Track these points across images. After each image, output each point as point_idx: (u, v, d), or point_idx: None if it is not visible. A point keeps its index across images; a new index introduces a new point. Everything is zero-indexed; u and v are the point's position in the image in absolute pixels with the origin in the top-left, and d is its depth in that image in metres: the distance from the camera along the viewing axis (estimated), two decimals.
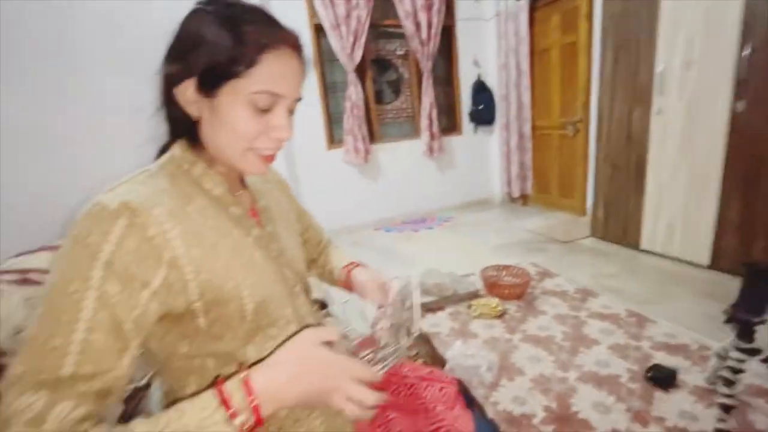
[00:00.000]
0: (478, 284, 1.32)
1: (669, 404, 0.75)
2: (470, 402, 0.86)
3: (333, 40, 3.33)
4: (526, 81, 3.61)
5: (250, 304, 0.54)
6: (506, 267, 1.35)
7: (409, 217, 4.03)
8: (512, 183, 3.96)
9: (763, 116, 1.91)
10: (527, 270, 1.31)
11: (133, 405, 0.85)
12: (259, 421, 0.45)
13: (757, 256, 1.99)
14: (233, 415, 0.43)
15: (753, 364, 0.60)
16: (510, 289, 1.23)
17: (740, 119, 1.98)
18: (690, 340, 0.93)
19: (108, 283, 0.42)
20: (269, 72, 0.50)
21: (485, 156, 4.29)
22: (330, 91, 3.68)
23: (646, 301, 1.96)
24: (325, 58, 3.57)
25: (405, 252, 3.07)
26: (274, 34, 0.51)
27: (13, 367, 0.39)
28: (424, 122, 3.78)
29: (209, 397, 0.44)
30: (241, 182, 0.66)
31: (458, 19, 3.87)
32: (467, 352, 0.94)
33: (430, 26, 3.59)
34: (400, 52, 3.87)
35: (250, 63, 0.49)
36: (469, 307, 1.20)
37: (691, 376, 0.81)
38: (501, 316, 1.14)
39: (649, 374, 0.81)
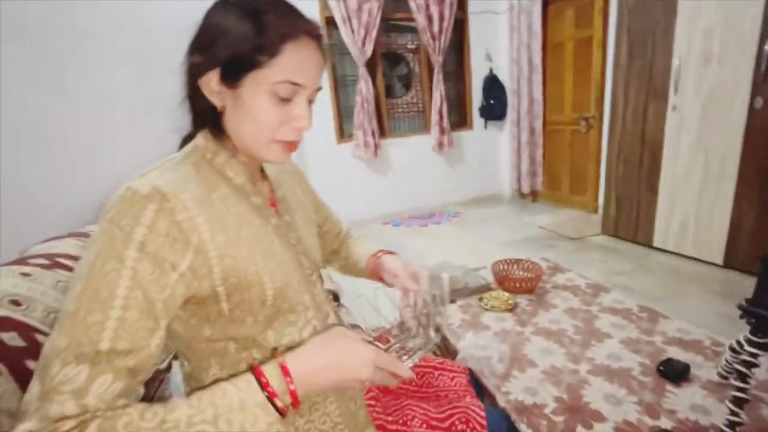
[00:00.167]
0: (489, 278, 1.33)
1: (680, 398, 0.75)
2: (481, 391, 0.88)
3: (344, 33, 3.33)
4: (538, 76, 3.57)
5: (270, 290, 0.56)
6: (517, 261, 1.36)
7: (417, 212, 4.03)
8: (522, 179, 3.94)
9: None
10: (539, 264, 1.31)
11: (154, 387, 0.88)
12: (295, 403, 0.47)
13: None
14: (273, 395, 0.45)
15: (767, 359, 0.60)
16: (521, 282, 1.23)
17: (758, 116, 1.95)
18: (703, 336, 0.93)
19: (141, 263, 0.44)
20: (290, 62, 0.51)
21: (495, 151, 4.27)
22: (340, 85, 3.69)
23: (658, 299, 1.95)
24: (336, 51, 3.57)
25: (413, 247, 3.08)
26: (294, 24, 0.52)
27: (55, 339, 0.41)
28: (434, 117, 3.77)
29: (250, 379, 0.46)
30: (261, 172, 0.68)
31: (470, 12, 3.85)
32: (479, 343, 0.95)
33: (442, 20, 3.57)
34: (411, 46, 3.86)
35: (272, 53, 0.50)
36: (480, 299, 1.21)
37: (704, 371, 0.81)
38: (512, 309, 1.15)
39: (661, 368, 0.82)
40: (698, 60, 2.15)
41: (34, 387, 0.39)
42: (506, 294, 1.22)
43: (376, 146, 3.62)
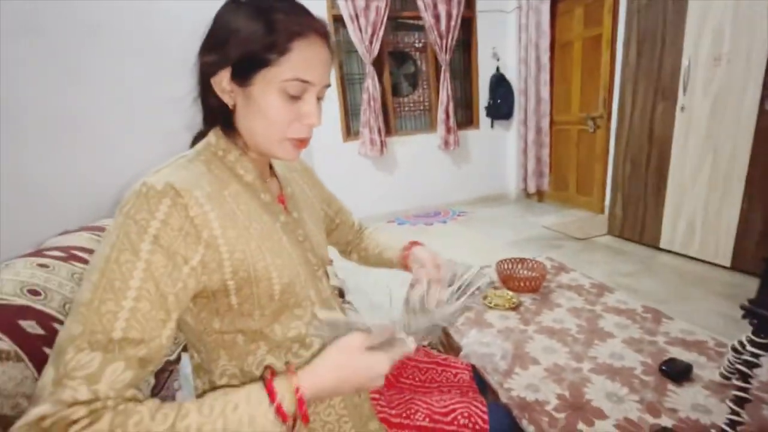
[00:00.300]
0: (494, 276, 1.34)
1: (682, 397, 0.75)
2: (484, 388, 0.89)
3: (352, 31, 3.34)
4: (546, 75, 3.56)
5: (277, 285, 0.57)
6: (522, 260, 1.36)
7: (422, 210, 4.04)
8: (528, 179, 3.93)
9: None
10: (543, 264, 1.32)
11: (163, 378, 0.90)
12: (305, 421, 0.48)
13: None
14: (284, 418, 0.46)
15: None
16: (525, 281, 1.24)
17: None
18: (707, 337, 0.93)
19: (155, 255, 0.45)
20: (299, 59, 0.52)
21: (501, 151, 4.26)
22: (347, 83, 3.70)
23: (663, 301, 1.94)
24: (343, 49, 3.58)
25: None
26: (303, 22, 0.53)
27: (69, 326, 0.42)
28: (440, 115, 3.77)
29: (262, 396, 0.46)
30: (270, 169, 0.70)
31: (478, 11, 3.84)
32: (482, 340, 0.96)
33: (449, 18, 3.57)
34: (418, 45, 3.86)
35: (282, 51, 0.51)
36: (485, 297, 1.22)
37: (707, 371, 0.81)
38: (516, 307, 1.16)
39: (663, 368, 0.82)
40: (708, 60, 2.13)
41: (48, 372, 0.40)
42: (510, 293, 1.23)
43: (383, 144, 3.63)
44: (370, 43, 3.38)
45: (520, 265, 1.36)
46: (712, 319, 1.77)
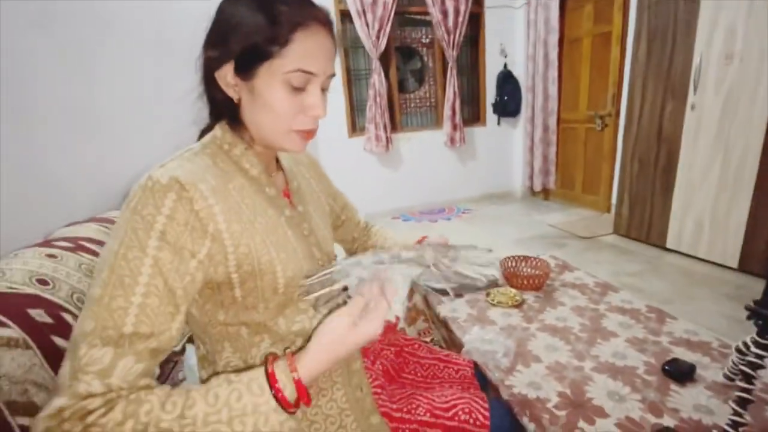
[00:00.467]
0: (497, 274, 1.33)
1: (685, 397, 0.75)
2: (485, 384, 0.89)
3: (359, 26, 3.32)
4: (554, 72, 3.53)
5: (282, 279, 0.58)
6: (526, 258, 1.36)
7: (427, 207, 4.03)
8: (534, 177, 3.90)
9: None
10: (547, 262, 1.31)
11: (168, 369, 0.92)
12: (307, 403, 0.50)
13: None
14: (287, 405, 0.47)
15: None
16: (529, 279, 1.23)
17: None
18: (711, 338, 0.92)
19: (162, 251, 0.46)
20: (301, 50, 0.52)
21: (508, 148, 4.24)
22: (354, 78, 3.69)
23: (668, 301, 1.93)
24: (350, 45, 3.57)
25: None
26: (305, 12, 0.53)
27: (82, 323, 0.43)
28: (447, 112, 3.76)
29: (264, 385, 0.47)
30: (277, 163, 0.70)
31: (487, 6, 3.80)
32: (484, 338, 0.96)
33: (457, 14, 3.54)
34: (425, 40, 3.84)
35: (284, 42, 0.51)
36: (488, 295, 1.21)
37: (710, 372, 0.80)
38: (519, 305, 1.16)
39: (666, 368, 0.82)
40: (719, 58, 2.10)
41: (66, 365, 0.42)
42: (513, 290, 1.22)
43: (388, 140, 3.62)
44: (377, 38, 3.37)
45: (524, 263, 1.36)
46: (717, 321, 1.76)
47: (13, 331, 0.52)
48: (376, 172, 3.81)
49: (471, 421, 0.69)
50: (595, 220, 3.26)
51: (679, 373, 0.80)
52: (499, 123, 4.12)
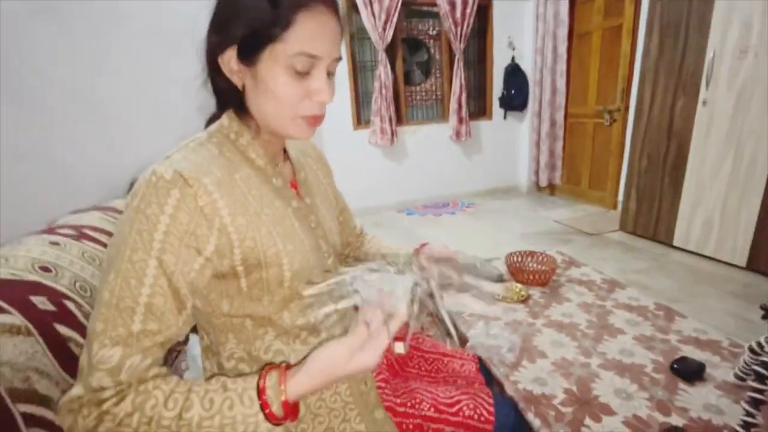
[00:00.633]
0: (503, 269, 1.32)
1: (694, 397, 0.74)
2: (489, 379, 0.88)
3: (365, 17, 3.28)
4: (562, 66, 3.47)
5: (288, 272, 0.57)
6: (532, 253, 1.34)
7: (431, 201, 4.01)
8: (540, 172, 3.87)
9: None
10: (554, 257, 1.30)
11: (171, 359, 0.91)
12: (293, 420, 0.50)
13: None
14: (275, 420, 0.47)
15: None
16: (535, 275, 1.22)
17: None
18: (721, 336, 0.90)
19: (165, 254, 0.47)
20: (304, 32, 0.50)
21: (514, 143, 4.19)
22: (359, 70, 3.66)
23: (675, 299, 1.91)
24: (356, 36, 3.53)
25: (426, 235, 3.08)
26: None
27: (93, 323, 0.46)
28: (453, 105, 3.72)
29: (254, 399, 0.47)
30: (284, 153, 0.69)
31: None
32: (489, 333, 0.95)
33: (465, 5, 3.48)
34: (432, 32, 3.79)
35: (286, 24, 0.49)
36: None
37: (720, 371, 0.79)
38: (524, 300, 1.14)
39: (675, 366, 0.80)
40: (733, 52, 2.05)
41: (84, 356, 0.45)
42: (519, 285, 1.21)
43: (393, 133, 3.60)
44: (384, 29, 3.33)
45: (529, 258, 1.34)
46: (723, 319, 1.74)
47: (15, 318, 0.51)
48: (380, 165, 3.79)
49: (475, 417, 0.69)
50: (601, 216, 3.23)
51: (688, 371, 0.79)
52: (505, 117, 4.08)
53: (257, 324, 0.59)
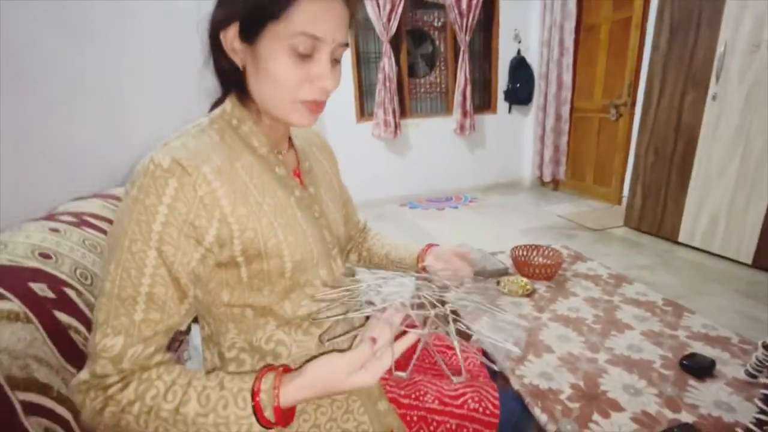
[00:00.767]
0: (507, 262, 1.31)
1: (704, 393, 0.72)
2: (494, 373, 0.87)
3: (369, 8, 3.24)
4: (569, 59, 3.43)
5: (289, 263, 0.55)
6: (537, 247, 1.33)
7: (434, 194, 3.99)
8: (544, 167, 3.84)
9: None
10: (560, 251, 1.28)
11: (173, 348, 0.91)
12: (284, 426, 0.48)
13: None
14: (267, 424, 0.47)
15: None
16: (540, 269, 1.20)
17: None
18: (731, 333, 0.89)
19: (164, 245, 0.46)
20: (307, 12, 0.48)
21: (518, 137, 4.16)
22: (363, 61, 3.62)
23: (680, 296, 1.89)
24: (361, 27, 3.49)
25: (428, 229, 3.06)
26: None
27: (97, 313, 0.46)
28: (457, 98, 3.68)
29: (248, 399, 0.46)
30: (288, 142, 0.67)
31: None
32: (494, 326, 0.94)
33: None
34: (437, 24, 3.74)
35: (288, 2, 0.47)
36: (498, 283, 1.19)
37: (730, 368, 0.78)
38: (530, 294, 1.13)
39: (684, 362, 0.79)
40: (745, 47, 2.01)
41: (91, 343, 0.46)
42: (524, 279, 1.20)
43: (397, 126, 3.57)
44: (388, 20, 3.28)
45: (535, 252, 1.32)
46: (728, 316, 1.73)
47: (14, 305, 0.50)
48: (383, 158, 3.77)
49: (480, 409, 0.68)
50: (606, 212, 3.20)
51: (698, 368, 0.77)
52: (510, 111, 4.04)
53: (258, 314, 0.58)
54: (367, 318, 0.53)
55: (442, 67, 3.87)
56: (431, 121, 3.84)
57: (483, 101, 4.07)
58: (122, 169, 1.11)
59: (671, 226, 2.50)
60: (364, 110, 3.70)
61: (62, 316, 0.56)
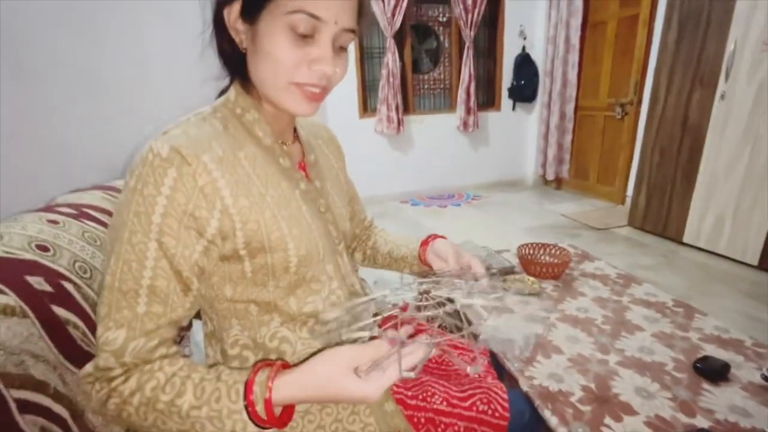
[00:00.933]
0: (513, 261, 1.29)
1: (719, 397, 0.71)
2: (501, 373, 0.85)
3: (374, 2, 3.20)
4: (574, 56, 3.39)
5: (294, 257, 0.54)
6: (544, 245, 1.31)
7: (436, 192, 3.97)
8: (548, 165, 3.81)
9: None
10: (567, 250, 1.26)
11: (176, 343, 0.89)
12: (279, 427, 0.46)
13: None
14: (259, 421, 0.44)
15: None
16: (547, 267, 1.19)
17: None
18: (744, 336, 0.87)
19: (164, 236, 0.45)
20: None
21: (522, 135, 4.13)
22: (366, 57, 3.58)
23: (684, 296, 1.87)
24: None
25: (431, 227, 3.04)
26: None
27: (99, 307, 0.46)
28: (461, 95, 3.65)
29: (241, 391, 0.44)
30: (294, 134, 0.65)
31: None
32: (501, 326, 0.92)
33: None
34: (442, 19, 3.70)
35: None
36: (504, 281, 1.17)
37: (744, 371, 0.76)
38: (537, 294, 1.11)
39: (697, 365, 0.77)
40: (756, 45, 1.98)
41: (97, 334, 0.46)
42: (530, 278, 1.18)
43: (400, 122, 3.54)
44: (393, 15, 3.25)
45: (541, 251, 1.30)
46: (733, 317, 1.71)
47: (10, 299, 0.48)
48: (386, 154, 3.74)
49: (489, 412, 0.66)
50: (609, 211, 3.18)
51: (712, 371, 0.75)
52: (514, 108, 4.01)
53: (262, 310, 0.57)
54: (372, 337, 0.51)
55: (446, 63, 3.83)
56: (434, 118, 3.81)
57: (487, 98, 4.03)
58: (123, 160, 1.09)
59: (676, 226, 2.48)
60: (367, 106, 3.67)
61: (60, 311, 0.54)
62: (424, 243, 0.77)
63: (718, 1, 2.12)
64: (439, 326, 0.80)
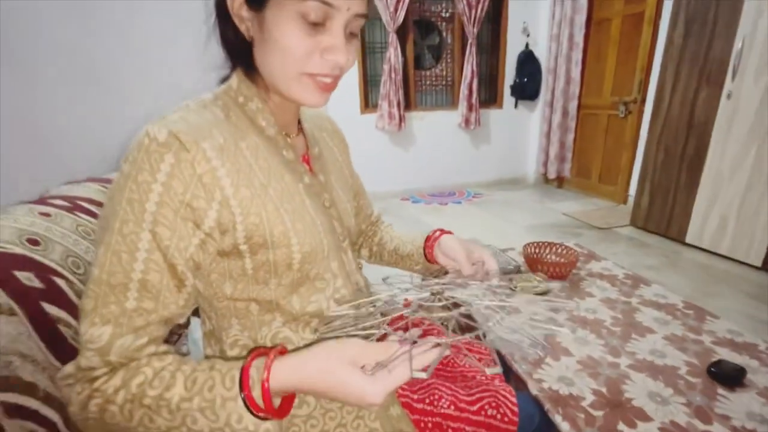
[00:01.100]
0: (518, 259, 1.26)
1: (735, 403, 0.69)
2: (508, 377, 0.83)
3: None
4: (578, 54, 3.36)
5: (297, 254, 0.51)
6: (550, 245, 1.28)
7: (437, 189, 3.94)
8: (549, 164, 3.79)
9: None
10: (575, 250, 1.23)
11: (172, 342, 0.86)
12: (278, 417, 0.43)
13: None
14: (256, 409, 0.40)
15: None
16: (554, 267, 1.16)
17: None
18: (758, 339, 0.85)
19: (159, 226, 0.42)
20: None
21: (524, 133, 4.10)
22: (368, 52, 3.54)
23: (687, 297, 1.84)
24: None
25: (431, 224, 3.02)
26: None
27: (84, 300, 0.42)
28: (463, 92, 3.61)
29: (236, 378, 0.41)
30: (298, 126, 0.62)
31: None
32: (509, 326, 0.89)
33: None
34: (445, 14, 3.66)
35: None
36: (510, 281, 1.14)
37: (760, 376, 0.74)
38: (543, 293, 1.09)
39: (712, 369, 0.75)
40: (764, 44, 1.96)
41: (80, 331, 0.42)
42: (537, 277, 1.15)
43: (401, 119, 3.50)
44: (395, 10, 3.21)
45: (548, 250, 1.28)
46: (737, 319, 1.69)
47: None
48: (386, 151, 3.71)
49: (498, 416, 0.64)
50: (611, 210, 3.16)
51: (727, 376, 0.73)
52: (516, 106, 3.98)
53: (263, 309, 0.54)
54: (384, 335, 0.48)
55: (449, 60, 3.80)
56: (436, 115, 3.77)
57: (489, 95, 4.00)
58: (119, 152, 1.06)
59: (679, 227, 2.46)
60: (368, 101, 3.64)
61: (51, 308, 0.51)
62: (429, 239, 0.74)
63: (726, 0, 2.09)
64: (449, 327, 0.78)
